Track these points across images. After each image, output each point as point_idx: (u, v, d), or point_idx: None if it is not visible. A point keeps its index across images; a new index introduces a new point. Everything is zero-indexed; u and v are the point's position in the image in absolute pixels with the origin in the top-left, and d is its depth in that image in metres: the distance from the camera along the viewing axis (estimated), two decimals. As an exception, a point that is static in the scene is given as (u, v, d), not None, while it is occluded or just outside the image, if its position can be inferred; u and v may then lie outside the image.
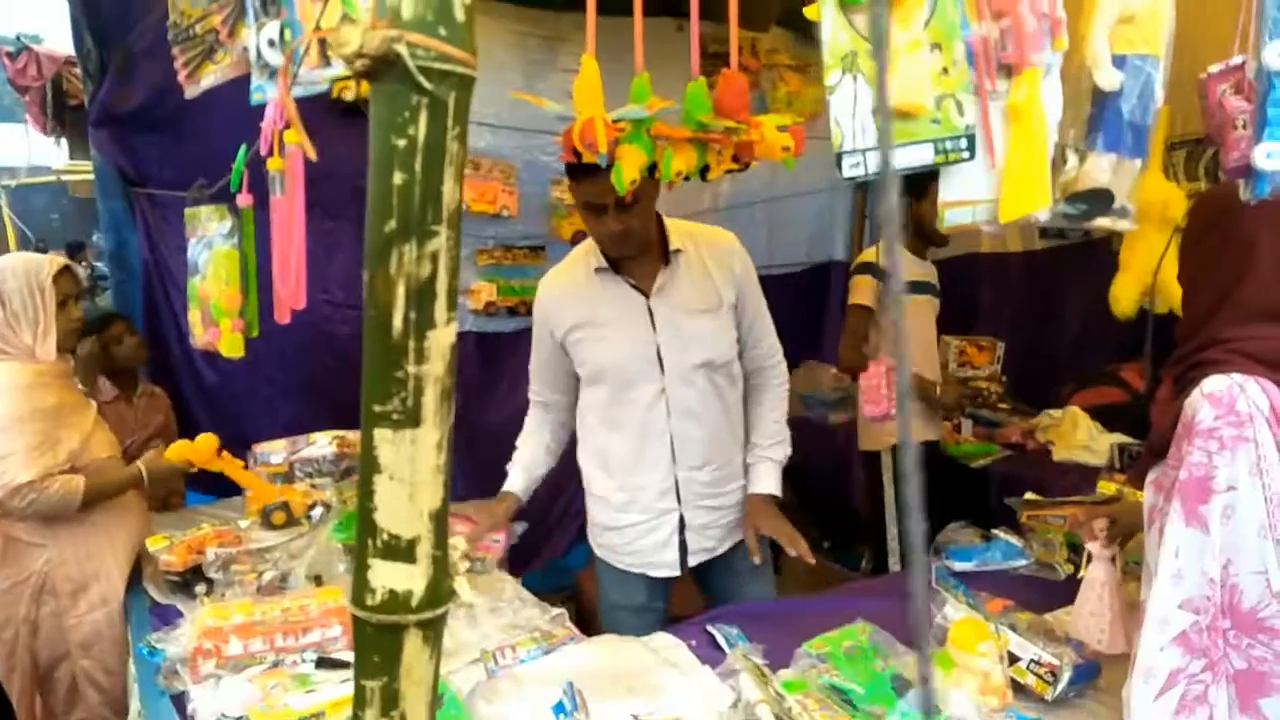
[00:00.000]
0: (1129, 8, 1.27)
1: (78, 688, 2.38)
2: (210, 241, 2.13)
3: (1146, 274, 2.35)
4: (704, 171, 2.03)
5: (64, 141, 8.61)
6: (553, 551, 3.99)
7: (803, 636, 1.85)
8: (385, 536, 0.91)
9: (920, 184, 2.95)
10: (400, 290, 0.89)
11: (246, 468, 2.81)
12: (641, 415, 2.19)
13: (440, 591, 0.93)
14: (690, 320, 2.19)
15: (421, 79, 0.85)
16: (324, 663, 1.84)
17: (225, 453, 2.58)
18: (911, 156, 1.15)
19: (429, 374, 0.91)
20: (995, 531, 2.37)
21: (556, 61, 3.71)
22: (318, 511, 2.57)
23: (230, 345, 2.10)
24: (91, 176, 3.75)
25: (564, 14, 3.63)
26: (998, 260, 4.19)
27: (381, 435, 0.91)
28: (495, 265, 3.75)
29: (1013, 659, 1.70)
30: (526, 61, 3.64)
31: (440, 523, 0.94)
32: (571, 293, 2.24)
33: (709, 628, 2.03)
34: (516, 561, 2.46)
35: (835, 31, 1.11)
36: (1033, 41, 1.18)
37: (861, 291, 3.25)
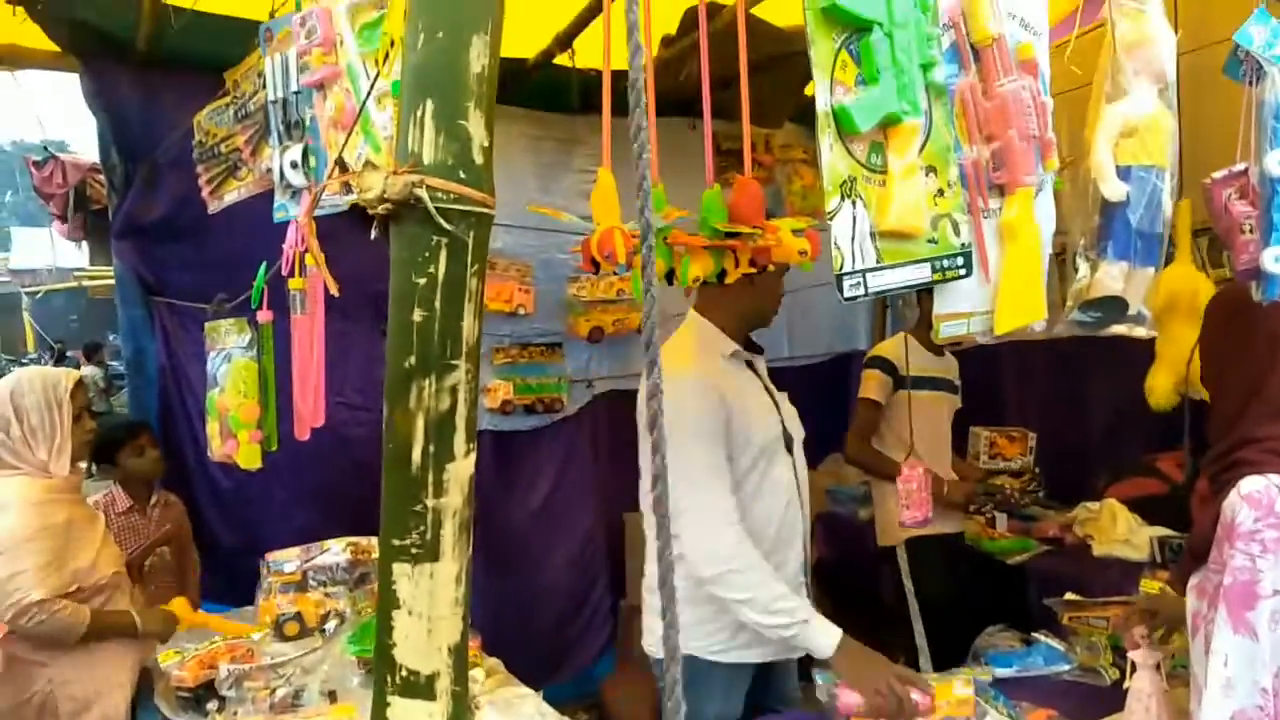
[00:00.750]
0: (1130, 121, 1.29)
1: (80, 811, 2.30)
2: (229, 354, 2.15)
3: (1180, 365, 2.32)
4: (721, 276, 2.05)
5: (85, 245, 8.81)
6: (580, 660, 3.90)
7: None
8: (404, 673, 0.89)
9: None
10: (419, 424, 0.89)
11: (260, 577, 2.79)
12: (785, 492, 2.13)
13: (460, 732, 0.90)
14: (782, 398, 2.24)
15: (441, 220, 0.86)
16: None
17: (200, 612, 2.61)
18: (910, 275, 1.16)
19: (448, 507, 0.91)
20: (1036, 635, 2.29)
21: (571, 163, 3.80)
22: (331, 624, 2.52)
23: (247, 457, 2.10)
24: (111, 280, 3.81)
25: (578, 116, 3.73)
26: (1026, 349, 4.14)
27: (400, 570, 0.90)
28: (511, 363, 3.76)
29: (1058, 776, 1.62)
30: (541, 164, 3.72)
31: (460, 657, 0.92)
32: (724, 380, 2.09)
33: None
34: (542, 671, 2.37)
35: (834, 159, 1.13)
36: (1023, 163, 1.21)
37: (870, 385, 3.25)
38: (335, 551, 2.82)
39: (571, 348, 3.92)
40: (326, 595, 2.70)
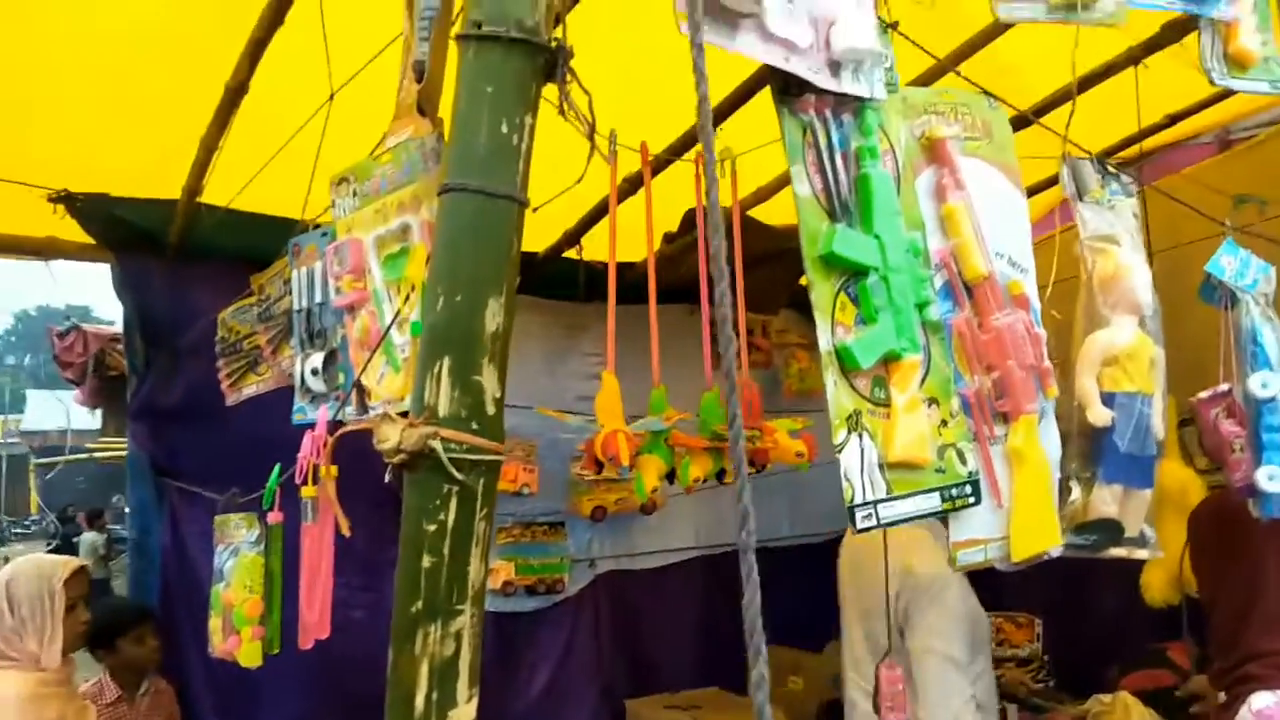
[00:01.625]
0: (1111, 351, 1.36)
1: None
2: (237, 548, 2.16)
3: (1174, 563, 2.32)
4: (720, 475, 2.09)
5: (99, 412, 8.92)
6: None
7: None
8: None
9: None
10: (424, 670, 0.90)
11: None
12: None
13: None
14: None
15: (453, 470, 0.91)
16: None
17: None
18: (920, 504, 1.19)
19: (448, 759, 0.90)
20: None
21: (579, 346, 3.90)
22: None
23: (248, 655, 2.07)
24: (122, 451, 3.83)
25: (585, 305, 3.85)
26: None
27: (397, 831, 0.88)
28: (514, 543, 3.73)
29: None
30: (549, 349, 3.83)
31: None
32: None
33: None
34: None
35: (838, 394, 1.19)
36: (1024, 391, 1.26)
37: None
38: (327, 749, 2.71)
39: (573, 526, 3.89)
40: (316, 797, 2.58)
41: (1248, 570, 1.52)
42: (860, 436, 1.16)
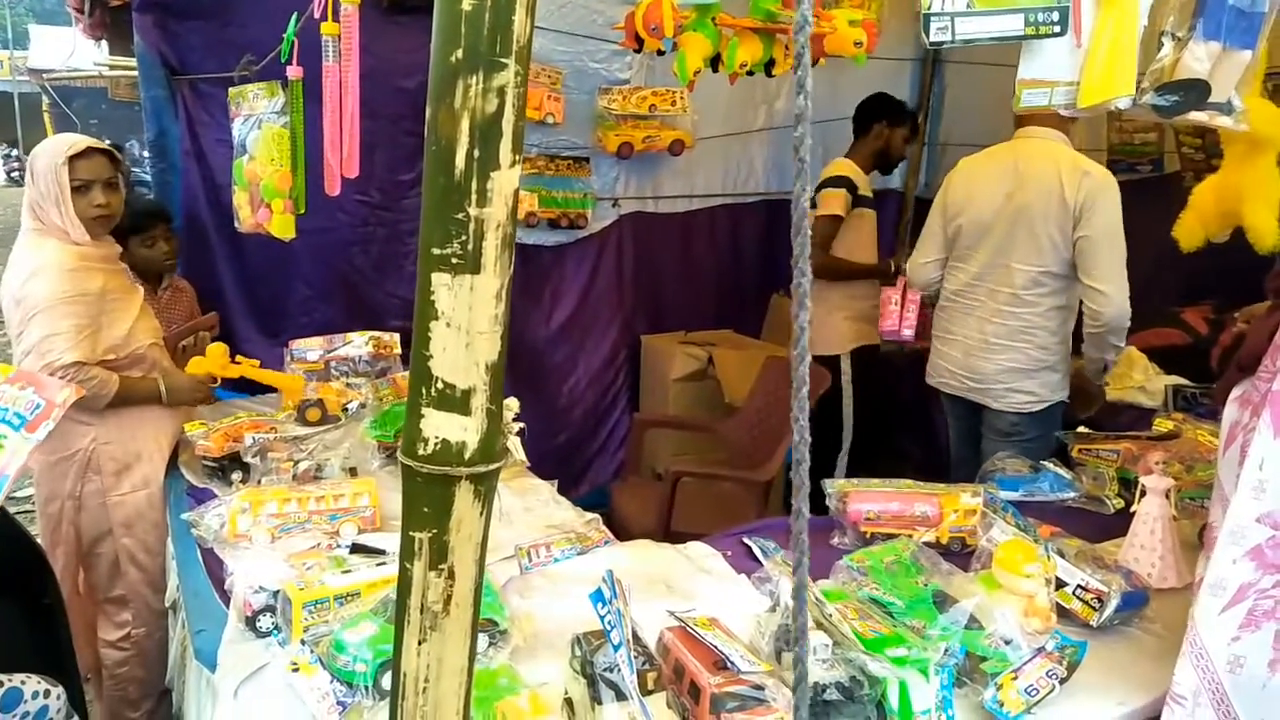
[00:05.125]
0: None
1: (119, 564, 2.41)
2: (259, 120, 2.07)
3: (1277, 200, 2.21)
4: (769, 66, 1.94)
5: (105, 44, 8.53)
6: (599, 478, 4.03)
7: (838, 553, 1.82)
8: (440, 385, 0.87)
9: (896, 115, 3.50)
10: (464, 125, 0.83)
11: (284, 364, 2.81)
12: None
13: (493, 447, 0.89)
14: None
15: (497, -114, 0.78)
16: (358, 549, 1.83)
17: (238, 356, 2.56)
18: (1000, 24, 1.07)
19: (491, 218, 0.86)
20: (1044, 463, 2.31)
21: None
22: (353, 405, 2.56)
23: (281, 226, 2.05)
24: (134, 72, 3.68)
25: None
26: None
27: (439, 279, 0.86)
28: (538, 174, 3.66)
29: (1059, 584, 1.65)
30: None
31: (496, 377, 0.90)
32: None
33: (745, 540, 2.01)
34: (561, 486, 2.41)
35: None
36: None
37: (834, 202, 3.38)
38: (358, 344, 2.84)
39: (599, 163, 3.81)
40: (348, 385, 2.73)
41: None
42: (951, -66, 1.02)
